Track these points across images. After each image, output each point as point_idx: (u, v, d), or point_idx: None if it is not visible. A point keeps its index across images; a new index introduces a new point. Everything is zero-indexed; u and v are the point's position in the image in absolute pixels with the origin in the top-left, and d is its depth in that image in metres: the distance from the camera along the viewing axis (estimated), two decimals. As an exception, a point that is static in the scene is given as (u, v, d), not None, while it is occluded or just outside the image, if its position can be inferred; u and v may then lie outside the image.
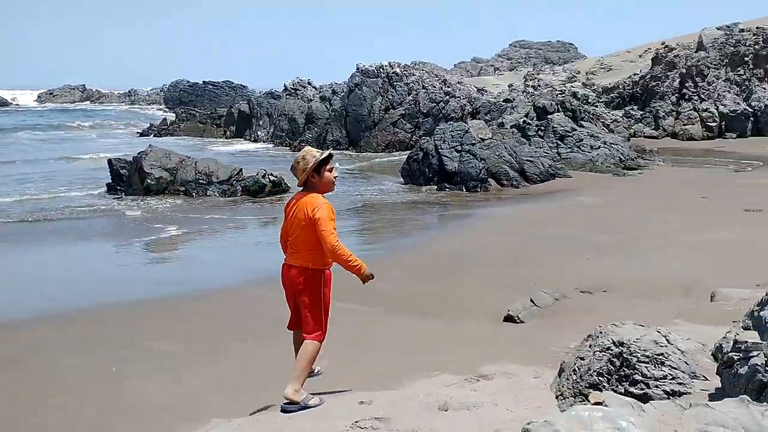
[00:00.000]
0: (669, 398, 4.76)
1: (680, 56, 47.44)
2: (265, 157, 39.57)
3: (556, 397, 5.72)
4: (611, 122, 37.91)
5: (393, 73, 46.01)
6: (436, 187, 26.46)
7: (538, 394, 5.87)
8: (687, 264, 12.88)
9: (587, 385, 5.47)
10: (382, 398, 5.85)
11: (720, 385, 4.58)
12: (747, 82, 45.15)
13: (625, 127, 40.04)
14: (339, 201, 23.46)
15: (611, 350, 5.54)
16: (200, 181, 24.67)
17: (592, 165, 28.56)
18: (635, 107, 47.59)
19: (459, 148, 26.87)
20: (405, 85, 45.35)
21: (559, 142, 29.21)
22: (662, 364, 5.02)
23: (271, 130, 49.14)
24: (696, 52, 47.34)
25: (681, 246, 14.66)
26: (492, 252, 14.63)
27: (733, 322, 5.58)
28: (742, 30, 46.96)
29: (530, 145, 28.41)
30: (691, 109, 44.64)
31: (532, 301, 10.50)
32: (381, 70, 46.22)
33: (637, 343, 5.41)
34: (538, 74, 57.59)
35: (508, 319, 10.02)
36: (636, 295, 11.11)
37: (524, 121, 29.71)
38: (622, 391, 5.08)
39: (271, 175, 25.56)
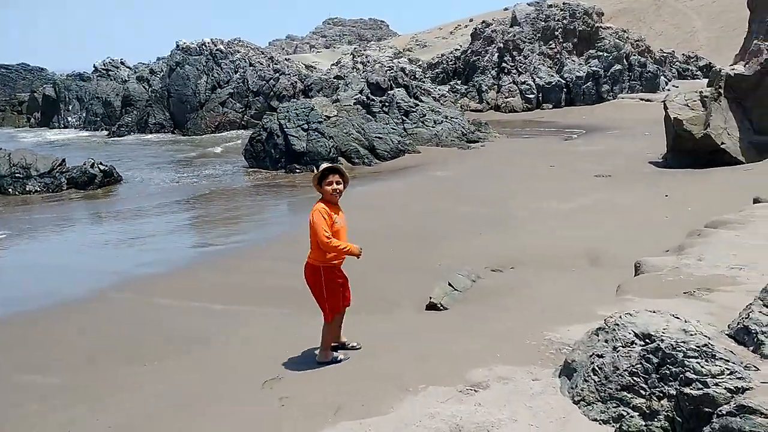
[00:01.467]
0: (733, 396, 4.20)
1: (497, 31, 49.38)
2: (83, 144, 35.80)
3: (577, 403, 5.01)
4: (440, 97, 38.52)
5: (217, 50, 43.52)
6: (284, 169, 25.16)
7: (553, 401, 5.13)
8: (575, 233, 12.91)
9: (619, 387, 4.81)
10: (379, 427, 4.83)
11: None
12: (558, 55, 47.99)
13: (452, 102, 40.90)
14: (182, 191, 21.50)
15: (639, 344, 4.92)
16: (17, 175, 21.44)
17: (438, 140, 28.68)
18: (459, 82, 48.95)
19: (305, 126, 25.73)
20: (231, 63, 43.10)
21: (404, 117, 29.00)
22: (714, 357, 4.46)
23: (84, 115, 44.70)
24: (511, 27, 49.49)
25: (559, 215, 14.78)
26: (378, 234, 13.80)
27: (757, 298, 5.18)
28: (550, 5, 49.74)
29: (376, 122, 27.90)
30: (510, 83, 46.67)
31: (450, 285, 9.82)
32: (203, 47, 43.54)
33: (669, 334, 4.82)
34: (365, 50, 57.39)
35: (431, 307, 9.27)
36: (544, 268, 10.83)
37: (368, 98, 29.12)
38: (673, 392, 4.47)
39: (101, 164, 22.86)
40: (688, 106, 21.26)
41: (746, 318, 5.06)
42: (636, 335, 5.01)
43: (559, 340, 6.43)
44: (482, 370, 5.79)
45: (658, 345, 4.73)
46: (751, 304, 5.23)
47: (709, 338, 4.82)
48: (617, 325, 5.19)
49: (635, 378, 4.77)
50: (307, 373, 6.52)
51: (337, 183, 6.49)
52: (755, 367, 4.44)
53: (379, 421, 4.99)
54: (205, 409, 5.97)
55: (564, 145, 29.24)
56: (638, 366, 4.79)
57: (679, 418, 4.36)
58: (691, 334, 4.85)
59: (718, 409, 4.12)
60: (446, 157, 26.06)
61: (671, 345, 4.65)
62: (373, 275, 10.43)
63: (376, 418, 5.04)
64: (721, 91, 21.08)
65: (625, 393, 4.77)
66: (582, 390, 5.06)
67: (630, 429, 4.58)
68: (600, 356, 5.11)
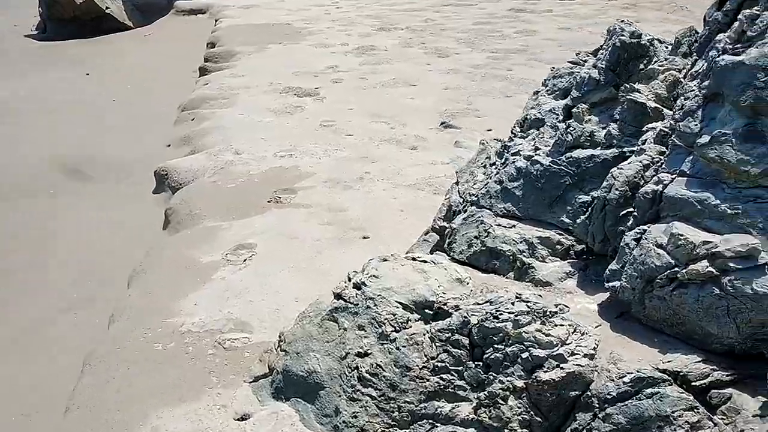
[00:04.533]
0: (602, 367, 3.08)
1: None
2: None
3: (354, 440, 3.14)
4: None
5: None
6: None
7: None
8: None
9: (423, 396, 3.13)
10: None
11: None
12: None
13: None
14: None
15: (421, 324, 3.27)
16: None
17: None
18: None
19: None
20: None
21: None
22: (546, 314, 3.17)
23: None
24: None
25: None
26: None
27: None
28: None
29: None
30: None
31: None
32: None
33: (455, 293, 3.31)
34: None
35: None
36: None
37: None
38: (521, 384, 3.06)
39: None
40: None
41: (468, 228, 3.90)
42: (407, 307, 3.33)
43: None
44: None
45: (463, 318, 3.18)
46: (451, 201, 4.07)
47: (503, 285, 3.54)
48: (368, 298, 3.38)
49: (444, 377, 3.16)
50: None
51: None
52: (564, 305, 3.34)
53: None
54: None
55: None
56: (443, 357, 3.17)
57: (539, 418, 3.02)
58: (484, 289, 3.47)
59: (596, 391, 2.94)
60: None
61: (484, 313, 3.16)
62: None
63: None
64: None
65: (437, 403, 3.13)
66: (357, 416, 3.18)
67: (471, 457, 3.03)
68: (365, 354, 3.27)
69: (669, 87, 3.77)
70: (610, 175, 3.52)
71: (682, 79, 3.75)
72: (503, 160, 4.18)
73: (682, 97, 3.50)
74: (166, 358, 4.00)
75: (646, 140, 3.62)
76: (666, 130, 3.51)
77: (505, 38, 12.94)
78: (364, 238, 5.36)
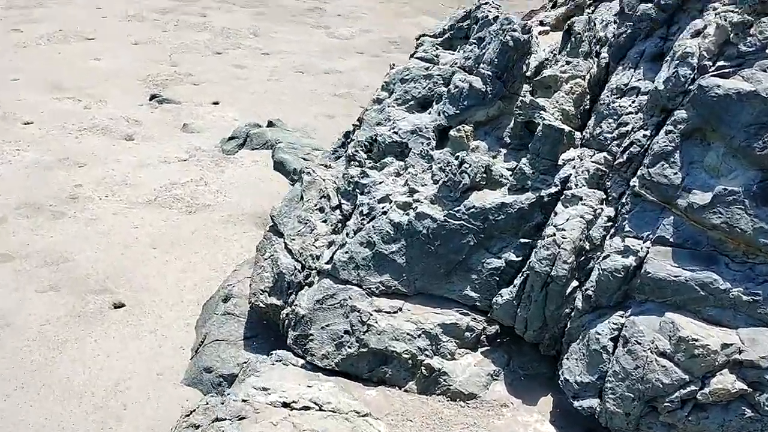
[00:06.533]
0: None
1: None
2: None
3: None
4: None
5: None
6: None
7: None
8: None
9: None
10: None
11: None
12: None
13: None
14: None
15: None
16: None
17: None
18: None
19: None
20: None
21: None
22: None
23: None
24: None
25: None
26: None
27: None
28: None
29: None
30: None
31: None
32: None
33: None
34: None
35: None
36: None
37: None
38: None
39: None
40: None
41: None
42: None
43: None
44: None
45: None
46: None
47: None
48: None
49: None
50: None
51: None
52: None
53: None
54: None
55: None
56: None
57: None
58: None
59: None
60: None
61: None
62: None
63: None
64: None
65: None
66: None
67: None
68: None
69: (576, 101, 2.88)
70: (550, 239, 2.56)
71: (588, 89, 2.90)
72: (359, 207, 2.95)
73: (610, 120, 2.67)
74: None
75: (569, 179, 2.73)
76: (603, 168, 2.65)
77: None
78: (117, 307, 3.68)
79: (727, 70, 2.30)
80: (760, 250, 2.23)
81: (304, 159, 5.58)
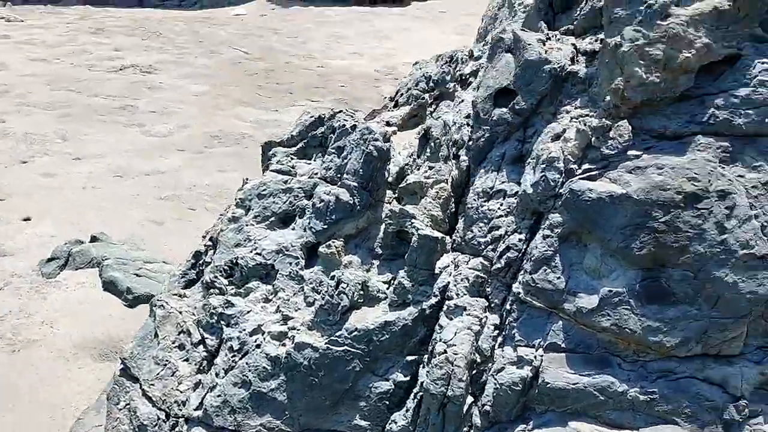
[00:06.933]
0: None
1: None
2: None
3: None
4: None
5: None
6: None
7: None
8: None
9: None
10: None
11: None
12: None
13: None
14: None
15: None
16: None
17: None
18: None
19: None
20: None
21: None
22: None
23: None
24: None
25: None
26: None
27: None
28: None
29: None
30: None
31: None
32: None
33: None
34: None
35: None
36: None
37: None
38: None
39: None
40: None
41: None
42: None
43: None
44: None
45: None
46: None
47: None
48: None
49: None
50: None
51: None
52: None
53: None
54: None
55: None
56: None
57: None
58: None
59: None
60: None
61: None
62: None
63: None
64: None
65: None
66: None
67: None
68: None
69: (443, 205, 2.85)
70: (442, 357, 2.44)
71: (452, 192, 2.88)
72: (227, 341, 2.66)
73: (480, 224, 2.65)
74: None
75: (447, 287, 2.66)
76: (482, 275, 2.61)
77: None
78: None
79: (594, 173, 2.38)
80: (651, 348, 2.27)
81: (137, 275, 5.13)
